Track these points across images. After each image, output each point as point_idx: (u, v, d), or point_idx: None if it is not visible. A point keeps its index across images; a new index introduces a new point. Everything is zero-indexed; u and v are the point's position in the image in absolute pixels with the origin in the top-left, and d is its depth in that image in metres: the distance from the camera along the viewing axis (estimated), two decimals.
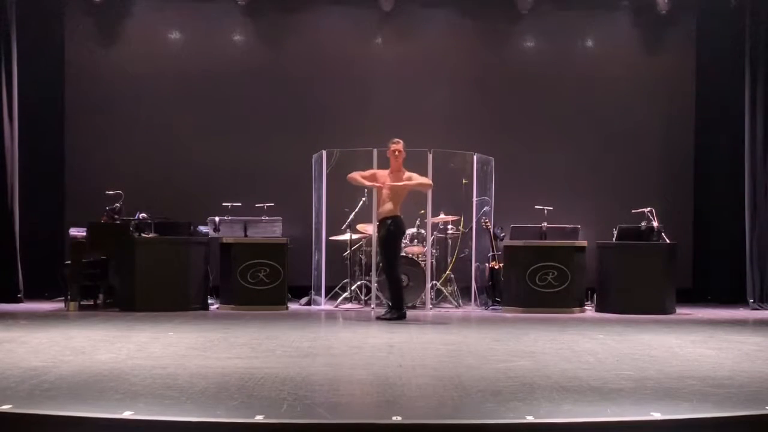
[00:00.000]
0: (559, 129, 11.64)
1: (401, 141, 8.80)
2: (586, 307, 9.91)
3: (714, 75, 11.54)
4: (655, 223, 9.74)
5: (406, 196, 8.93)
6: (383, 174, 8.85)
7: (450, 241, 10.47)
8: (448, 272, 10.33)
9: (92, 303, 9.78)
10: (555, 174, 11.44)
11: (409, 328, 7.87)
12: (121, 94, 11.41)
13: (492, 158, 10.43)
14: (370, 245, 9.88)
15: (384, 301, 9.67)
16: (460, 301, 10.27)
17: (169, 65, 11.59)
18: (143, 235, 9.48)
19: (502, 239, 10.13)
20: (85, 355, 5.88)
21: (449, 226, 10.46)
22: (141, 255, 9.32)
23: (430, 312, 9.58)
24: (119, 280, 9.55)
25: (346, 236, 10.20)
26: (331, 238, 10.34)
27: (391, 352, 6.16)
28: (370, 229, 9.94)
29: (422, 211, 9.94)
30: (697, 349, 6.57)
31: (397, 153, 8.74)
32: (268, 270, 9.54)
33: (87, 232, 9.49)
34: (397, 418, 3.87)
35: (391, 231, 8.66)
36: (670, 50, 11.88)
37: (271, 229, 9.82)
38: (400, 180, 8.71)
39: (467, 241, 10.29)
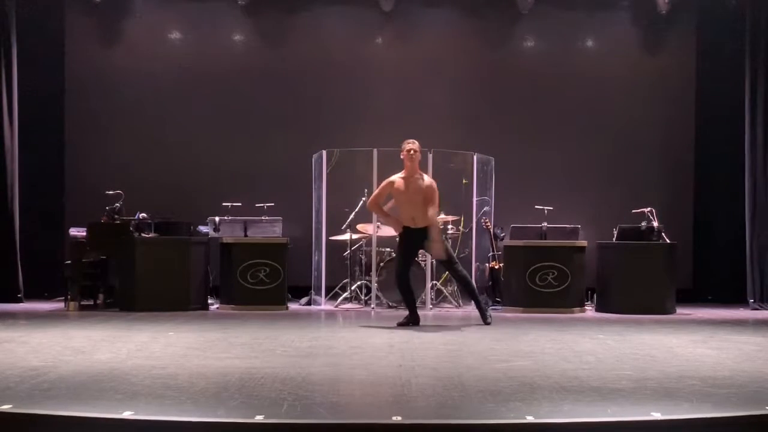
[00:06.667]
0: (559, 129, 11.64)
1: (416, 141, 8.07)
2: (586, 307, 9.90)
3: (714, 75, 11.53)
4: (655, 223, 9.74)
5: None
6: (398, 182, 8.03)
7: (450, 241, 10.44)
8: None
9: (92, 303, 9.78)
10: (555, 174, 11.43)
11: (409, 328, 7.86)
12: (121, 94, 11.42)
13: (492, 158, 10.43)
14: (370, 245, 9.89)
15: (384, 301, 9.69)
16: (460, 301, 10.26)
17: (168, 65, 11.59)
18: (143, 235, 9.48)
19: (502, 239, 10.13)
20: (85, 355, 5.88)
21: (449, 226, 10.45)
22: (141, 255, 9.33)
23: (430, 312, 9.58)
24: (119, 280, 9.56)
25: (346, 236, 10.19)
26: (331, 238, 10.33)
27: (391, 352, 6.16)
28: (370, 229, 9.95)
29: None
30: (697, 349, 6.56)
31: (412, 153, 7.96)
32: (268, 270, 9.54)
33: (87, 232, 9.50)
34: (397, 418, 3.87)
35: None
36: (670, 50, 11.88)
37: (271, 229, 9.81)
38: (416, 184, 7.96)
39: (467, 241, 10.29)
